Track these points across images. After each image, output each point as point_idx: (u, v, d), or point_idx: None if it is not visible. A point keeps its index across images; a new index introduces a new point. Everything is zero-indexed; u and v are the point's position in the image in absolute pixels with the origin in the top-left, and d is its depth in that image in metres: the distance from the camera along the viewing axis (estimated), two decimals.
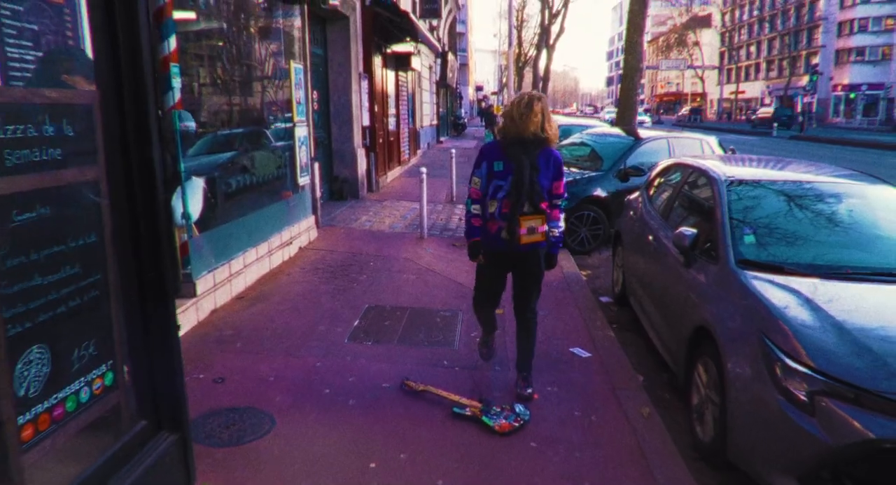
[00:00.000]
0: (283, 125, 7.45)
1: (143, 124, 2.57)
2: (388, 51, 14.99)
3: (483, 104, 63.32)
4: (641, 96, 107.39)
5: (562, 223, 4.04)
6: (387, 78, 14.99)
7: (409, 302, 5.96)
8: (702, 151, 9.54)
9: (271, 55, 7.09)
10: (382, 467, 3.27)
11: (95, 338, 2.46)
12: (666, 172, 6.12)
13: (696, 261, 4.20)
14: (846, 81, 63.74)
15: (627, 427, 3.83)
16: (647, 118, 13.41)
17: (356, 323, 5.34)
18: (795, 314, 3.26)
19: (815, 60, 64.06)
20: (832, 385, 2.90)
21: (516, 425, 3.67)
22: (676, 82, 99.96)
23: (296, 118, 7.74)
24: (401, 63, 16.47)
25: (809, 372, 2.97)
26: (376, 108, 13.40)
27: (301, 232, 7.95)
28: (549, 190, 3.89)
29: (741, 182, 4.54)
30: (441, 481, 3.18)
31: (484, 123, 30.30)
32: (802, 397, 2.96)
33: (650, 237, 5.37)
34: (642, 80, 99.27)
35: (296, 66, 7.74)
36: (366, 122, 12.58)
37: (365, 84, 12.46)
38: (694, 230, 4.27)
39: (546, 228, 3.92)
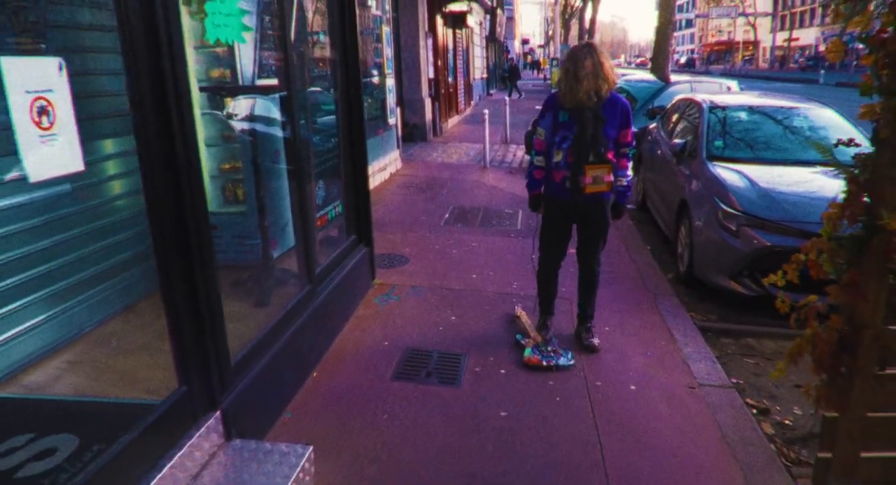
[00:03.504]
0: (378, 76, 9.55)
1: (355, 77, 4.69)
2: (447, 10, 16.85)
3: (527, 58, 64.18)
4: (692, 46, 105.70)
5: (630, 172, 3.94)
6: (446, 35, 16.91)
7: (482, 205, 8.11)
8: (721, 91, 11.30)
9: (370, 19, 9.16)
10: (479, 277, 5.44)
11: (336, 184, 4.67)
12: (675, 105, 8.04)
13: (683, 160, 6.20)
14: None
15: (634, 267, 5.91)
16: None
17: (447, 215, 7.52)
18: (734, 183, 5.26)
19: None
20: (749, 219, 4.92)
21: (544, 364, 3.80)
22: (728, 30, 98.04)
23: (385, 71, 9.83)
24: (457, 21, 18.32)
25: (738, 213, 4.98)
26: (439, 63, 15.39)
27: (391, 161, 10.12)
28: (615, 139, 3.80)
29: (718, 107, 6.48)
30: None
31: (508, 82, 31.02)
32: (733, 228, 4.98)
33: (659, 152, 7.36)
34: (693, 30, 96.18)
35: (386, 30, 9.79)
36: (431, 75, 14.58)
37: (430, 42, 14.42)
38: (683, 140, 6.27)
39: (612, 177, 3.83)
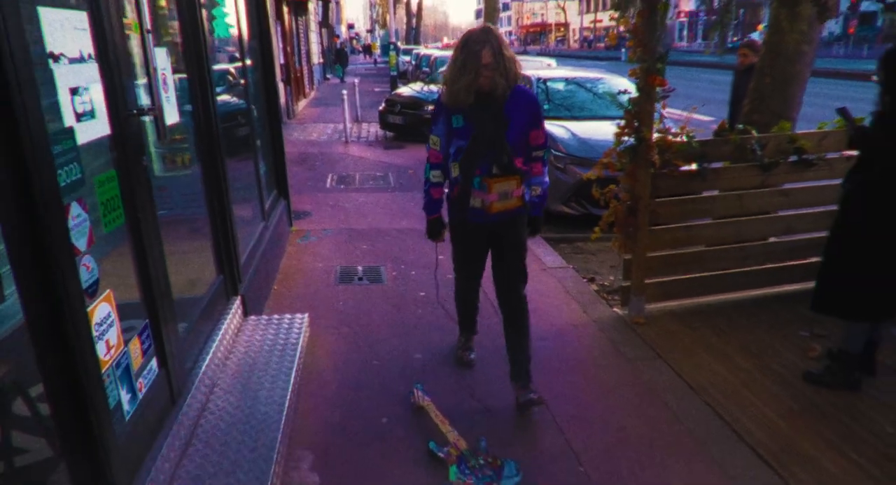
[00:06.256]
0: None
1: (269, 62, 5.84)
2: None
3: (353, 43, 65.20)
4: (510, 28, 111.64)
5: (546, 178, 3.29)
6: (291, 22, 17.75)
7: (355, 171, 9.43)
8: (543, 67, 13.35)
9: None
10: (374, 220, 6.80)
11: (260, 149, 5.81)
12: None
13: None
14: (688, 9, 70.45)
15: None
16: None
17: (329, 181, 8.77)
18: (560, 135, 7.03)
19: None
20: (573, 159, 6.69)
21: None
22: (542, 13, 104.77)
23: None
24: (299, 8, 19.19)
25: (564, 155, 6.74)
26: (288, 49, 16.27)
27: None
28: (525, 142, 3.14)
29: (543, 79, 8.29)
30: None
31: (336, 62, 32.68)
32: (562, 167, 6.74)
33: None
34: (509, 13, 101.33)
35: None
36: (282, 60, 15.46)
37: (279, 28, 15.28)
38: None
39: (523, 190, 3.19)
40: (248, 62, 5.41)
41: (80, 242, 2.00)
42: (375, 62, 51.50)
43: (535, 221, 3.38)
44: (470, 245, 3.42)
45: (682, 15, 70.85)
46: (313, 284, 5.03)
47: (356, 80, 17.02)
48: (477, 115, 3.06)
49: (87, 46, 2.15)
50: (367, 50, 64.71)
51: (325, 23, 33.38)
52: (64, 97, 1.98)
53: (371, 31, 64.98)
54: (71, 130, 2.01)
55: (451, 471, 2.85)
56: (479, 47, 2.95)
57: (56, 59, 1.95)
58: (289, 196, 6.36)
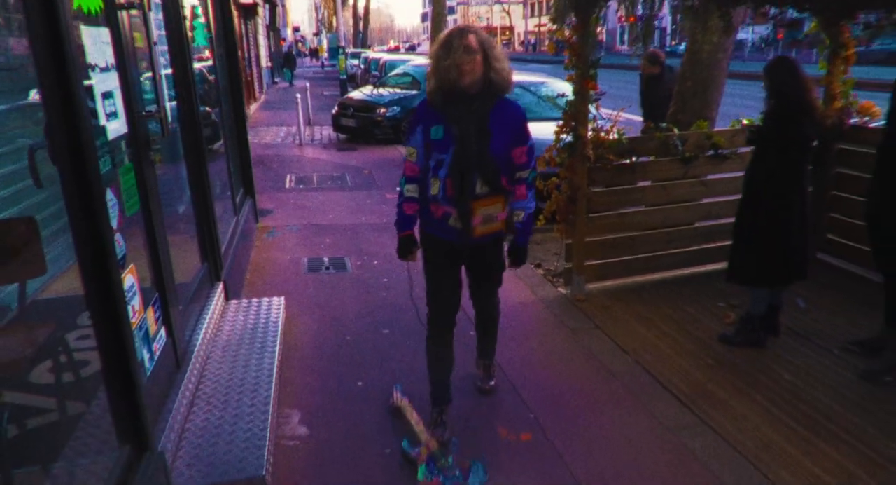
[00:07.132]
0: None
1: (234, 67, 6.20)
2: (239, 2, 17.89)
3: (299, 46, 65.31)
4: None
5: (531, 203, 3.04)
6: (241, 26, 17.94)
7: (312, 172, 9.80)
8: None
9: None
10: (334, 217, 7.21)
11: (228, 141, 6.17)
12: None
13: None
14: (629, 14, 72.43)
15: None
16: None
17: (287, 181, 9.13)
18: None
19: None
20: None
21: None
22: (487, 17, 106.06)
23: None
24: (248, 12, 19.36)
25: None
26: (239, 53, 16.46)
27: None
28: (508, 160, 2.89)
29: None
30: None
31: (284, 66, 32.82)
32: None
33: None
34: (455, 17, 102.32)
35: None
36: None
37: None
38: None
39: (508, 212, 2.99)
40: (217, 67, 5.78)
41: (113, 222, 2.39)
42: (323, 65, 51.52)
43: (519, 250, 3.13)
44: (446, 266, 3.16)
45: (622, 19, 72.94)
46: (283, 273, 5.42)
47: (307, 84, 17.33)
48: (459, 124, 2.79)
49: (111, 57, 2.54)
50: (315, 53, 64.62)
51: (272, 26, 33.42)
52: (98, 100, 2.38)
53: (317, 34, 64.85)
54: (104, 128, 2.41)
55: (419, 471, 2.88)
56: (463, 30, 2.83)
57: (92, 68, 2.35)
58: (254, 194, 6.72)
